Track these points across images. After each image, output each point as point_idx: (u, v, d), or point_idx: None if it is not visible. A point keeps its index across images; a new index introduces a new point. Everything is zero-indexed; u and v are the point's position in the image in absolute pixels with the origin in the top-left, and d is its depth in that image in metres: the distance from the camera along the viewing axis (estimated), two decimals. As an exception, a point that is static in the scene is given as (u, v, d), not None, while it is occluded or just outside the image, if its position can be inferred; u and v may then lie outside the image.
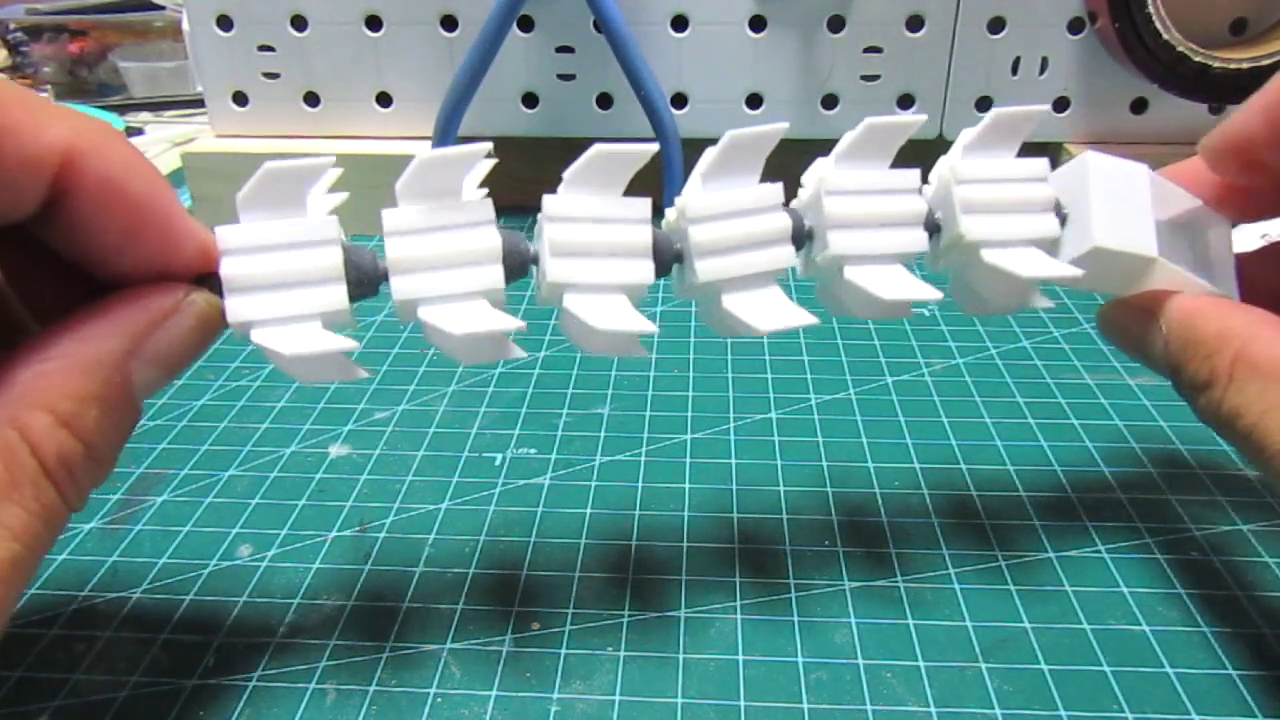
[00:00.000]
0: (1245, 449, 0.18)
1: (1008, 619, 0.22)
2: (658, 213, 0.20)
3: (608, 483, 0.27)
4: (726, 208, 0.20)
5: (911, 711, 0.19)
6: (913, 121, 0.21)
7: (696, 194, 0.20)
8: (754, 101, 0.43)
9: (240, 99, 0.44)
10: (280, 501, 0.26)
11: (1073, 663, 0.20)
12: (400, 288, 0.19)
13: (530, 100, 0.43)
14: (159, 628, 0.22)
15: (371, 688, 0.20)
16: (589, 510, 0.26)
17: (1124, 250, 0.20)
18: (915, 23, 0.41)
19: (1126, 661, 0.20)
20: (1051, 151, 0.42)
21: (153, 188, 0.17)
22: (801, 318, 0.19)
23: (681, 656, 0.21)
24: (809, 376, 0.32)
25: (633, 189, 0.20)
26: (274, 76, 0.44)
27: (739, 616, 0.22)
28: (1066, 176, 0.21)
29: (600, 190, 0.19)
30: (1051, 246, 0.21)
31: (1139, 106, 0.42)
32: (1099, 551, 0.24)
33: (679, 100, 0.43)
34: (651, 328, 0.19)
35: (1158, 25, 0.38)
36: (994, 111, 0.21)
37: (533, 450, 0.28)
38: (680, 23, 0.42)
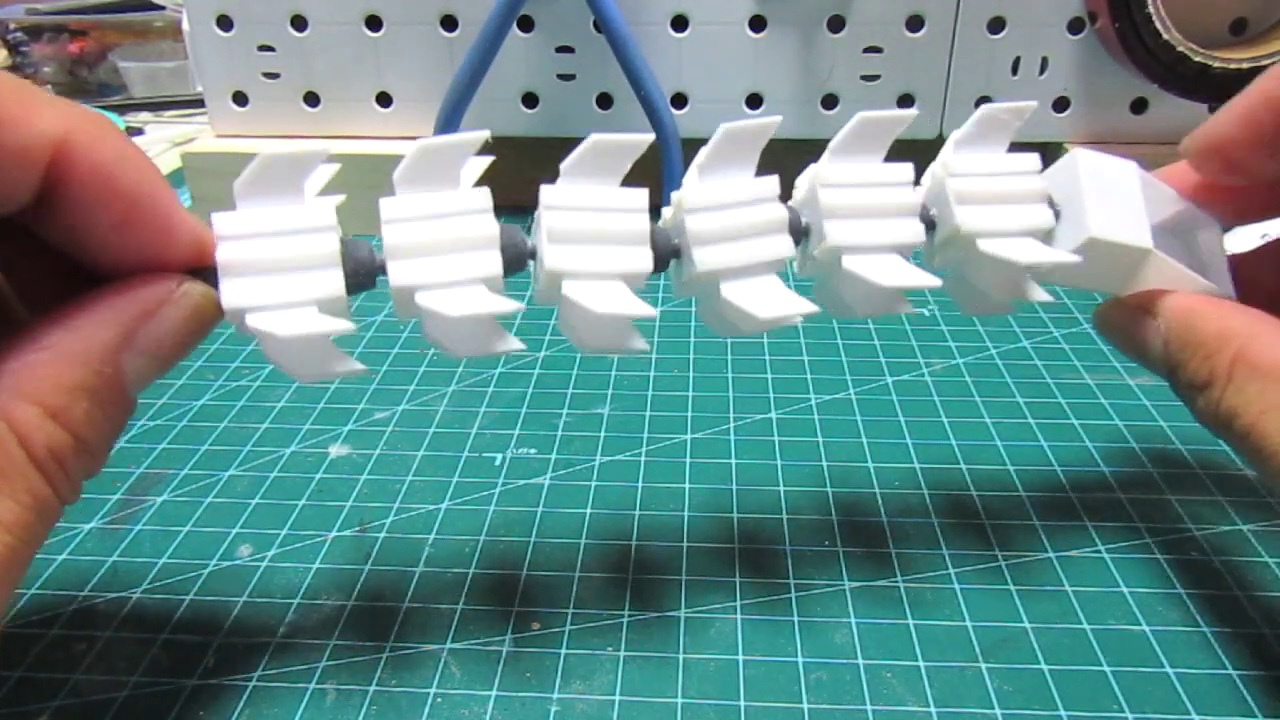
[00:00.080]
0: (1243, 449, 0.18)
1: (1008, 619, 0.22)
2: (656, 212, 0.20)
3: (608, 483, 0.27)
4: (723, 198, 0.20)
5: (911, 711, 0.19)
6: (905, 116, 0.21)
7: (693, 186, 0.20)
8: (754, 102, 0.43)
9: (240, 99, 0.44)
10: (280, 501, 0.26)
11: (1073, 663, 0.20)
12: (398, 274, 0.18)
13: (530, 100, 0.43)
14: (159, 628, 0.22)
15: (371, 688, 0.20)
16: (589, 510, 0.26)
17: (1119, 241, 0.20)
18: (915, 23, 0.41)
19: (1126, 661, 0.20)
20: (1051, 152, 0.42)
21: (146, 178, 0.17)
22: (802, 305, 0.19)
23: (681, 656, 0.21)
24: (809, 376, 0.32)
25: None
26: (274, 76, 0.44)
27: (739, 616, 0.22)
28: (1057, 174, 0.21)
29: (598, 181, 0.19)
30: (1046, 238, 0.21)
31: (1139, 106, 0.42)
32: (1099, 551, 0.24)
33: (679, 100, 0.43)
34: (651, 311, 0.19)
35: (1158, 25, 0.37)
36: (983, 108, 0.21)
37: (533, 450, 0.28)
38: (680, 23, 0.41)
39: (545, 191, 0.19)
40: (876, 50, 0.41)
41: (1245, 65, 0.38)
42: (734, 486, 0.26)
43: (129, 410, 0.17)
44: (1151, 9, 0.37)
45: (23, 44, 0.67)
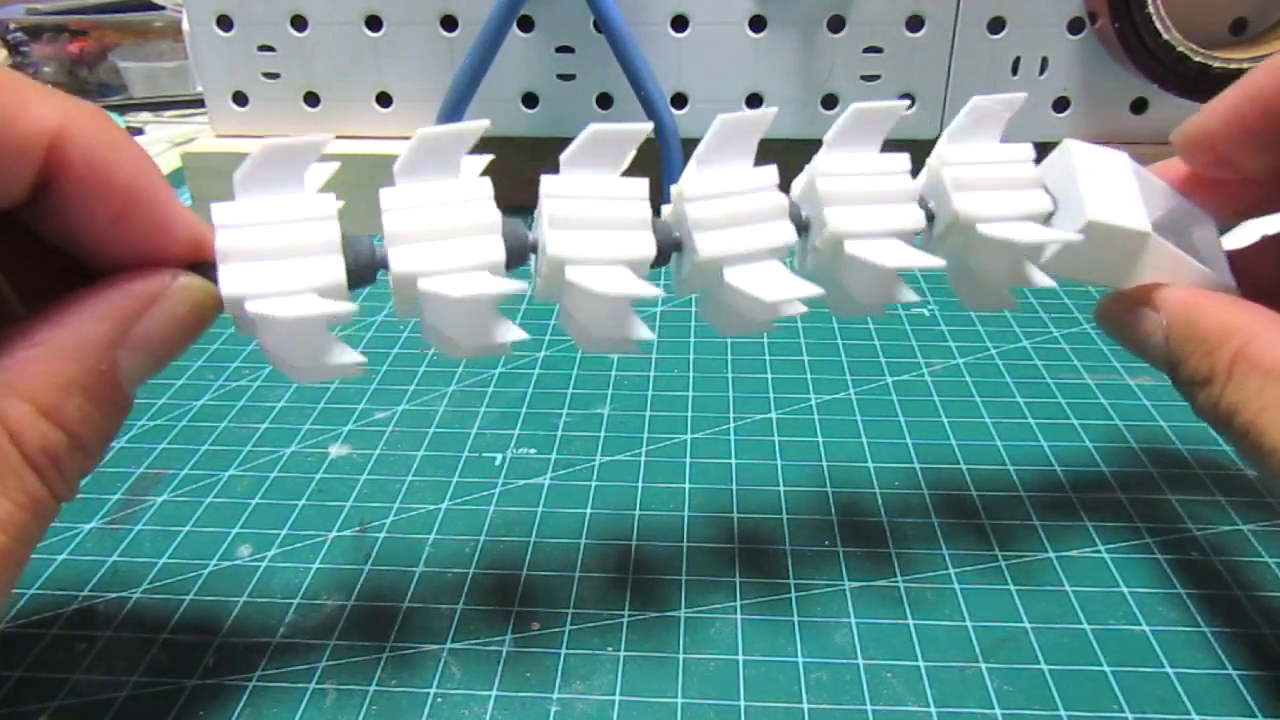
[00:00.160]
0: (1242, 446, 0.18)
1: (1008, 619, 0.22)
2: (656, 212, 0.20)
3: (608, 483, 0.27)
4: (724, 187, 0.20)
5: (911, 711, 0.19)
6: (899, 106, 0.21)
7: (692, 177, 0.20)
8: (754, 102, 0.43)
9: (240, 99, 0.44)
10: (280, 501, 0.26)
11: (1073, 663, 0.20)
12: (399, 260, 0.18)
13: (530, 100, 0.43)
14: (159, 628, 0.22)
15: (371, 688, 0.20)
16: (589, 510, 0.26)
17: (1118, 224, 0.20)
18: (915, 23, 0.41)
19: (1126, 661, 0.20)
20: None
21: (142, 171, 0.16)
22: (806, 288, 0.19)
23: (681, 656, 0.21)
24: (809, 376, 0.32)
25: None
26: (274, 76, 0.44)
27: (739, 616, 0.22)
28: (1051, 166, 0.22)
29: (598, 171, 0.19)
30: (1045, 224, 0.21)
31: (1139, 106, 0.42)
32: (1099, 551, 0.24)
33: (679, 100, 0.43)
34: (655, 291, 0.19)
35: (1158, 25, 0.38)
36: (974, 100, 0.21)
37: (533, 450, 0.28)
38: (680, 23, 0.42)
39: (546, 181, 0.19)
40: (876, 50, 0.41)
41: (1245, 65, 0.38)
42: (734, 486, 0.26)
43: (125, 407, 0.17)
44: (1151, 9, 0.37)
45: (23, 44, 0.67)
